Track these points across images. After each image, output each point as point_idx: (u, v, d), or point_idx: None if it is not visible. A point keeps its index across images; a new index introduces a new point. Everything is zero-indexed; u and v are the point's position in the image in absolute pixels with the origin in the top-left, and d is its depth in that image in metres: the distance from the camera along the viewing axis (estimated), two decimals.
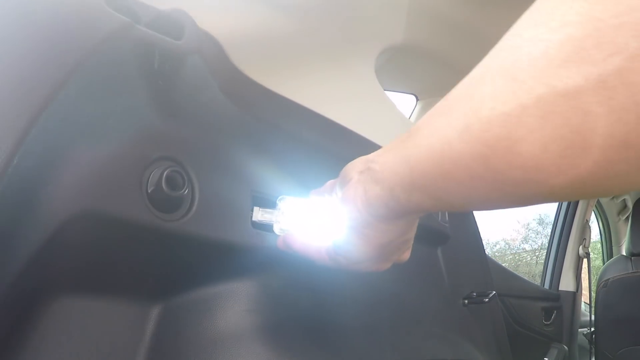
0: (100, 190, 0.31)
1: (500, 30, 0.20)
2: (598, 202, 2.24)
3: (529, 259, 8.14)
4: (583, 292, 1.96)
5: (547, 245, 2.07)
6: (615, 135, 0.16)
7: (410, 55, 0.83)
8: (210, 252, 0.39)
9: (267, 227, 0.43)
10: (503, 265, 1.97)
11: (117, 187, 0.32)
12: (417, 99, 1.04)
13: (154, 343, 0.37)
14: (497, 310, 0.92)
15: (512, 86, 0.19)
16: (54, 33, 0.30)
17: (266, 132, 0.51)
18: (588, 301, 2.15)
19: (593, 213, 2.23)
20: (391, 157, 0.27)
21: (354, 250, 0.32)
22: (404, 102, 1.00)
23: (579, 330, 1.89)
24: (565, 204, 1.97)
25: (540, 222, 8.30)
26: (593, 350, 1.85)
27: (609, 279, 1.80)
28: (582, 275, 1.92)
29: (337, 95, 0.66)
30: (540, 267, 2.77)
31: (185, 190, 0.36)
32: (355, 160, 0.32)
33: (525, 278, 1.82)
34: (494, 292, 0.79)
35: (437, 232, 0.73)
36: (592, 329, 1.84)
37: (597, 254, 2.78)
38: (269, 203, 0.43)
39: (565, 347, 1.62)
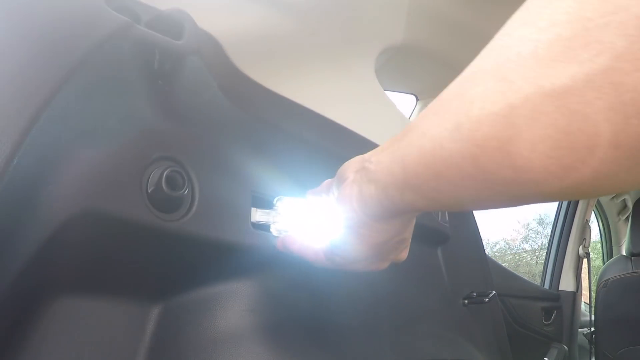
0: (100, 190, 0.31)
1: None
2: (598, 202, 2.23)
3: (529, 258, 8.15)
4: (583, 292, 1.96)
5: (547, 245, 2.07)
6: (603, 135, 0.16)
7: (410, 55, 0.83)
8: (210, 252, 0.39)
9: (266, 228, 0.43)
10: (503, 265, 1.97)
11: (117, 187, 0.32)
12: (417, 99, 1.04)
13: (154, 343, 0.37)
14: (497, 310, 0.92)
15: (501, 86, 0.19)
16: (54, 33, 0.30)
17: (266, 132, 0.51)
18: (588, 301, 2.15)
19: (593, 213, 2.23)
20: (386, 156, 0.27)
21: (351, 250, 0.32)
22: (404, 102, 1.00)
23: (579, 330, 1.89)
24: (565, 204, 1.97)
25: (540, 222, 8.32)
26: (593, 350, 1.85)
27: (609, 279, 1.80)
28: (582, 275, 1.92)
29: (337, 95, 0.66)
30: (540, 267, 2.77)
31: (185, 190, 0.36)
32: (351, 160, 0.32)
33: (525, 278, 1.82)
34: (494, 292, 0.79)
35: (437, 232, 0.73)
36: (592, 329, 1.84)
37: (597, 254, 2.78)
38: (269, 203, 0.43)
39: (565, 347, 1.63)
